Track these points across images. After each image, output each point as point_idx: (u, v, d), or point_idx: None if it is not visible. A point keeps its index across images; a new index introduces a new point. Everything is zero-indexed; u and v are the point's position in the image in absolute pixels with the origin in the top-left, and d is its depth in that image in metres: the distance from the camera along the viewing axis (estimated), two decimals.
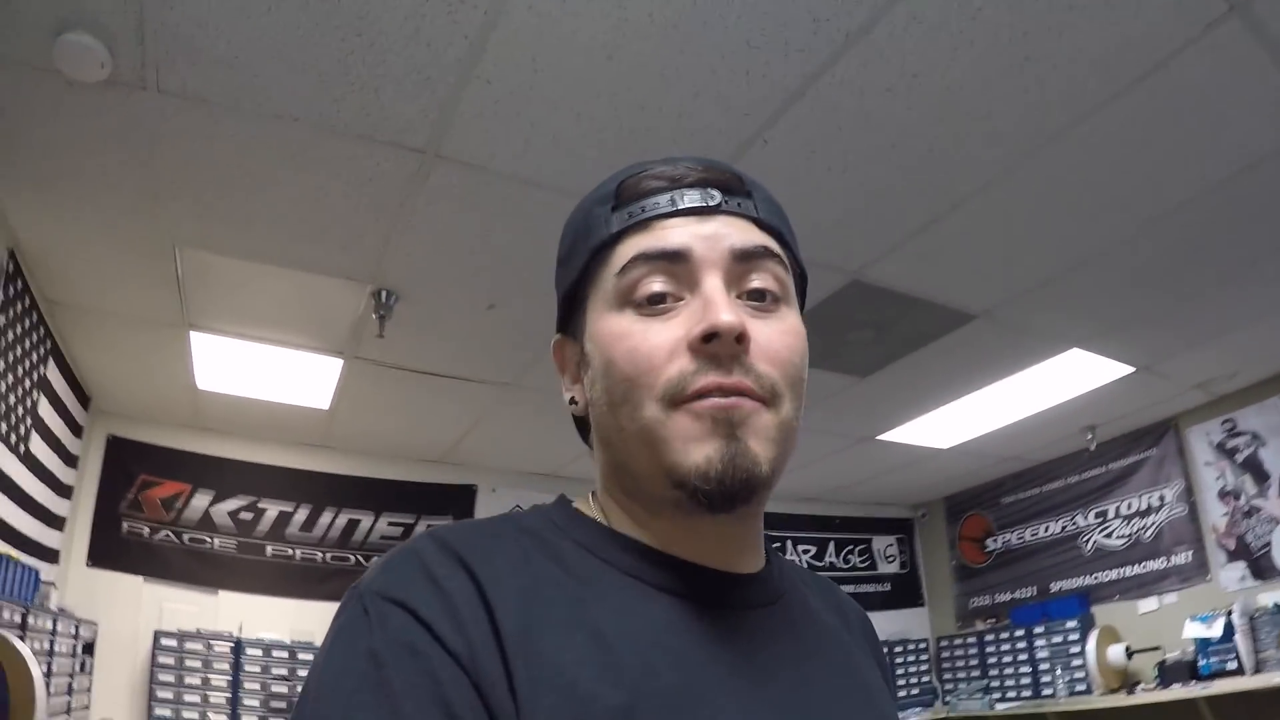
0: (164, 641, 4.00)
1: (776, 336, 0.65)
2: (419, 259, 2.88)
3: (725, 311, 0.61)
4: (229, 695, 4.04)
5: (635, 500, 0.67)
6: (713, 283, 0.63)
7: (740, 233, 0.66)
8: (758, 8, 1.92)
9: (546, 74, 2.09)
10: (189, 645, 4.04)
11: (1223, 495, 4.64)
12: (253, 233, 2.73)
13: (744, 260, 0.65)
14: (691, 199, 0.66)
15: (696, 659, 0.60)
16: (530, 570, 0.61)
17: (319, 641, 0.61)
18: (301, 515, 4.70)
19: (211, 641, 4.10)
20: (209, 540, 4.45)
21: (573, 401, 0.72)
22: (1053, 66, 2.13)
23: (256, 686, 4.11)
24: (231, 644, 4.12)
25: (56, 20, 1.90)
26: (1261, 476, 4.46)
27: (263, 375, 3.87)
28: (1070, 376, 4.12)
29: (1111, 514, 5.23)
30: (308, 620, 4.40)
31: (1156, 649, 4.61)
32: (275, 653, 4.20)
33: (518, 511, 0.70)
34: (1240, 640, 4.10)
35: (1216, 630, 4.21)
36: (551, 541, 0.65)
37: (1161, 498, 4.94)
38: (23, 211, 2.67)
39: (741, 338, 0.61)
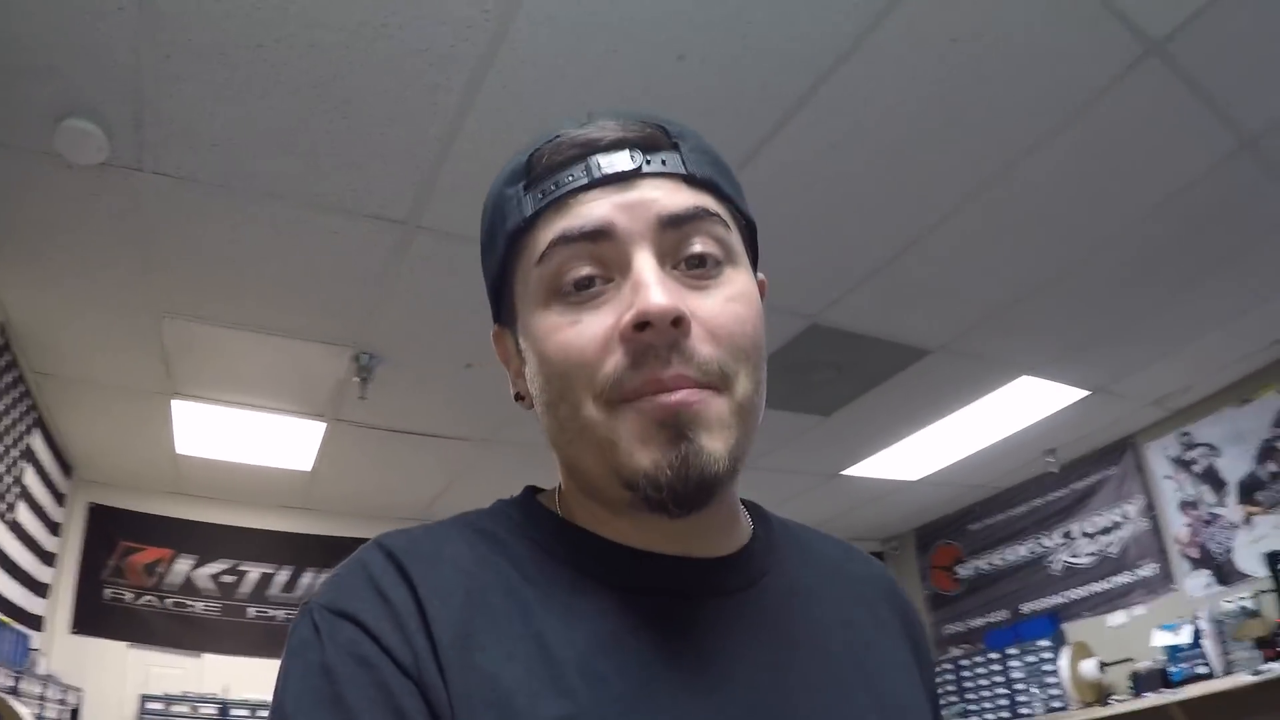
0: (150, 705, 4.03)
1: (721, 307, 0.58)
2: (400, 323, 2.99)
3: (656, 293, 0.54)
4: None
5: (593, 499, 0.62)
6: (642, 259, 0.56)
7: (669, 195, 0.58)
8: (709, 77, 2.08)
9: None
10: (175, 708, 4.07)
11: (1183, 506, 4.78)
12: (240, 303, 2.84)
13: (676, 226, 0.58)
14: (609, 164, 0.59)
15: (653, 660, 0.56)
16: (477, 577, 0.58)
17: None
18: (283, 576, 4.74)
19: (198, 705, 4.11)
20: (192, 604, 4.48)
21: (518, 397, 0.67)
22: (987, 114, 2.29)
23: None
24: (218, 706, 4.14)
25: (59, 107, 2.02)
26: (1219, 485, 4.60)
27: (244, 439, 3.93)
28: (1028, 402, 4.26)
29: (1077, 533, 5.35)
30: None
31: (1128, 660, 4.71)
32: (261, 713, 4.20)
33: (479, 509, 0.67)
34: (1208, 644, 4.23)
35: (1185, 637, 4.34)
36: (507, 542, 0.62)
37: (1125, 514, 5.09)
38: (14, 287, 2.76)
39: (679, 321, 0.54)
